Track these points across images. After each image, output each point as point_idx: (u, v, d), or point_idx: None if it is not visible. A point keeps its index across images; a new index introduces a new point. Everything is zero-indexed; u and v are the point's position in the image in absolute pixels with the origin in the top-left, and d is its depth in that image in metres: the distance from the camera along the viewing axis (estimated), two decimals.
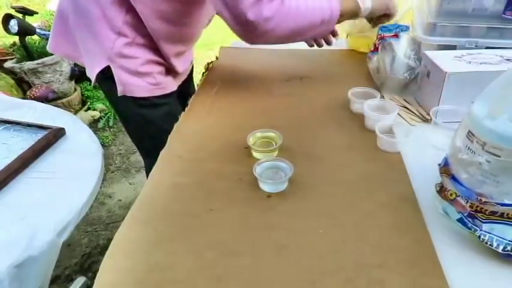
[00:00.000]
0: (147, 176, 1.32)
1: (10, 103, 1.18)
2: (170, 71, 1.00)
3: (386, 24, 1.03)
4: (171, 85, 1.01)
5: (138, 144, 1.18)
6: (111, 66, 0.90)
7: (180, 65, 1.01)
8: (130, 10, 0.85)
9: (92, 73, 0.93)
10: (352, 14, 0.92)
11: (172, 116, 1.01)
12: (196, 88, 1.07)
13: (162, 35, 0.90)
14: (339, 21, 0.90)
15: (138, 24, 0.87)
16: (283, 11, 0.79)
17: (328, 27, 0.90)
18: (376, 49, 1.03)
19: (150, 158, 1.22)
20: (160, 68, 0.96)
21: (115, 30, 0.86)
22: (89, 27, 0.88)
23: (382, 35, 1.02)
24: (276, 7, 0.77)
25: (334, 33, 0.97)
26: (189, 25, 0.94)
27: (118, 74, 0.91)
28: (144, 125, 1.04)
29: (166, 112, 1.01)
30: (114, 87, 0.93)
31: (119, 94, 0.94)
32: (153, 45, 0.92)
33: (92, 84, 0.96)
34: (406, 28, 1.01)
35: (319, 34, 0.93)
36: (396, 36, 0.99)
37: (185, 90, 1.13)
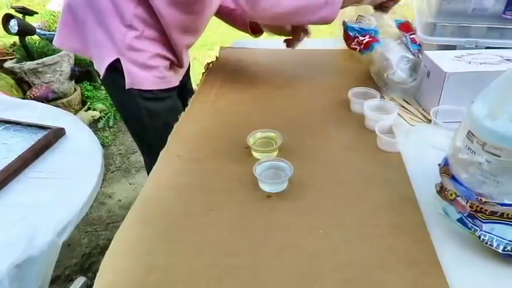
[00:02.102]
0: (148, 175, 1.33)
1: (10, 103, 1.18)
2: (173, 65, 1.02)
3: (351, 24, 1.01)
4: (174, 80, 1.03)
5: (140, 140, 1.19)
6: (121, 59, 0.92)
7: (186, 59, 1.04)
8: (141, 3, 0.87)
9: (101, 66, 0.95)
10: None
11: (175, 109, 1.03)
12: (196, 88, 1.07)
13: (175, 25, 0.91)
14: (343, 6, 0.89)
15: (148, 17, 0.89)
16: None
17: (333, 9, 0.88)
18: (361, 50, 1.01)
19: (151, 158, 1.24)
20: (167, 63, 0.98)
21: (125, 23, 0.88)
22: (99, 21, 0.90)
23: (354, 35, 0.99)
24: None
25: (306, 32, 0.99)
26: (200, 13, 0.95)
27: (127, 67, 0.94)
28: (149, 118, 1.06)
29: (169, 105, 1.04)
30: (121, 80, 0.95)
31: (127, 87, 0.96)
32: (161, 39, 0.94)
33: (101, 77, 0.98)
34: (374, 31, 0.98)
35: (320, 18, 0.90)
36: (374, 40, 0.96)
37: (183, 87, 1.14)
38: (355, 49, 1.00)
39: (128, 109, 1.08)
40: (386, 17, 1.01)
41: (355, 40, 0.98)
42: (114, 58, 0.92)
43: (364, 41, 0.96)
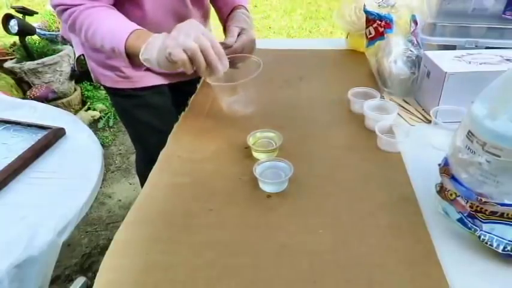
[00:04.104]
0: (137, 166, 1.36)
1: (10, 103, 1.18)
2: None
3: (370, 9, 1.02)
4: (149, 80, 1.00)
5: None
6: (85, 55, 0.98)
7: None
8: None
9: (76, 56, 1.04)
10: (136, 55, 0.74)
11: (150, 108, 1.03)
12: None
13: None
14: (131, 59, 0.77)
15: None
16: (71, 24, 0.80)
17: (124, 59, 0.77)
18: (371, 38, 1.03)
19: (137, 148, 1.27)
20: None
21: None
22: None
23: (374, 19, 1.01)
24: (66, 17, 0.80)
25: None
26: (142, 21, 0.86)
27: (90, 63, 1.00)
28: (119, 111, 1.12)
29: (141, 103, 1.03)
30: None
31: (94, 81, 1.02)
32: None
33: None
34: (389, 18, 0.99)
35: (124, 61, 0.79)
36: (389, 26, 0.98)
37: (187, 88, 1.07)
38: (367, 36, 1.05)
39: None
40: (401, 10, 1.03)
41: (376, 23, 1.01)
42: (80, 53, 0.98)
43: (382, 24, 0.99)
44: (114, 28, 0.76)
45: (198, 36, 0.66)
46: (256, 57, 0.78)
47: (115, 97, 1.06)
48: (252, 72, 0.74)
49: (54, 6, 0.81)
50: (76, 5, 0.78)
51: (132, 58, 0.77)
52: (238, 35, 0.88)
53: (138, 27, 0.76)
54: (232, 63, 0.76)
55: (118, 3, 0.84)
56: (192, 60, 0.67)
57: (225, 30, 1.00)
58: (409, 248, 0.55)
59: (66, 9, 0.79)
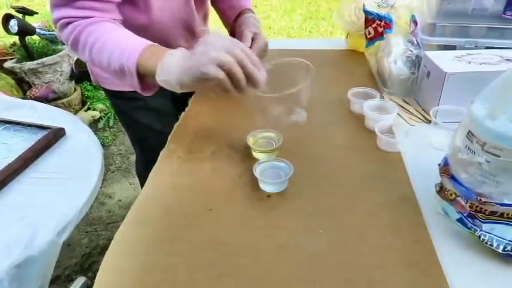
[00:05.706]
0: (136, 167, 1.36)
1: (10, 103, 1.18)
2: None
3: (370, 9, 1.02)
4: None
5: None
6: None
7: None
8: None
9: (75, 58, 1.05)
10: (150, 74, 0.67)
11: (149, 110, 1.03)
12: None
13: (126, 24, 0.83)
14: (142, 80, 0.71)
15: None
16: (74, 41, 0.73)
17: (132, 80, 0.70)
18: (371, 38, 1.03)
19: (137, 150, 1.28)
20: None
21: None
22: None
23: (373, 19, 1.01)
24: (67, 34, 0.73)
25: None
26: (147, 11, 0.86)
27: (90, 65, 0.99)
28: (118, 113, 1.12)
29: (140, 106, 1.03)
30: None
31: (93, 83, 1.03)
32: None
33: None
34: (389, 19, 0.99)
35: (129, 84, 0.73)
36: (388, 26, 0.98)
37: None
38: (366, 36, 1.06)
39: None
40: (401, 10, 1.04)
41: (375, 23, 1.02)
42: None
43: (382, 24, 1.00)
44: (123, 44, 0.69)
45: (229, 48, 0.60)
46: (300, 59, 0.70)
47: (114, 99, 1.06)
48: (297, 74, 0.67)
49: (57, 20, 0.74)
50: (81, 18, 0.72)
51: (143, 78, 0.70)
52: (252, 40, 0.88)
53: (150, 42, 0.70)
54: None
55: (121, 7, 0.81)
56: (229, 75, 0.60)
57: (231, 33, 1.00)
58: (409, 248, 0.55)
59: (68, 24, 0.73)
